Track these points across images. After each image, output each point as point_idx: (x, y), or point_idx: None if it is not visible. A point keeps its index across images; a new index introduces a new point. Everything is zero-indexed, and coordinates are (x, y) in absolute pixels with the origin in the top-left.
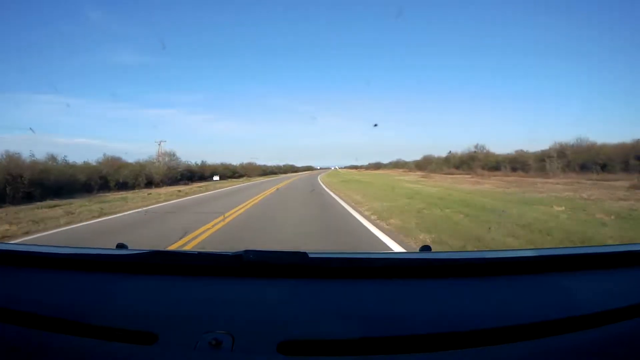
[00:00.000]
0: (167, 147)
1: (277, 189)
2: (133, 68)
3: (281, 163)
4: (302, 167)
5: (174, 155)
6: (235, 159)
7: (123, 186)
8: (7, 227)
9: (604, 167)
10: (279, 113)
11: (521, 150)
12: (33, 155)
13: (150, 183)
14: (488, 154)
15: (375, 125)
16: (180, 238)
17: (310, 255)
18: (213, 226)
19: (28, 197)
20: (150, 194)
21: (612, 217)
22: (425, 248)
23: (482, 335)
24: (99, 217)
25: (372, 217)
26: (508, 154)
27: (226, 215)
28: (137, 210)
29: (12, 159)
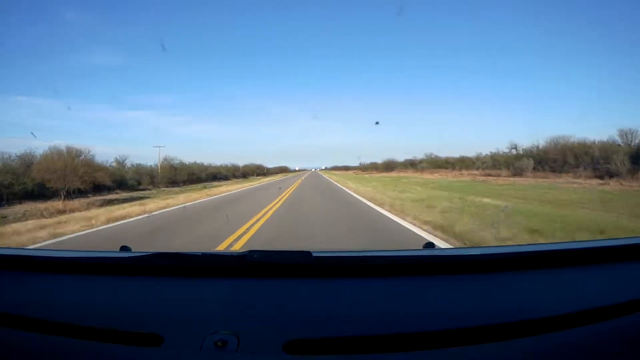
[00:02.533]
0: None
1: None
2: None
3: (240, 162)
4: (275, 167)
5: None
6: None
7: None
8: None
9: None
10: (253, 114)
11: None
12: None
13: None
14: None
15: (377, 123)
16: None
17: (314, 255)
18: None
19: None
20: None
21: None
22: (429, 245)
23: (487, 332)
24: None
25: None
26: None
27: None
28: None
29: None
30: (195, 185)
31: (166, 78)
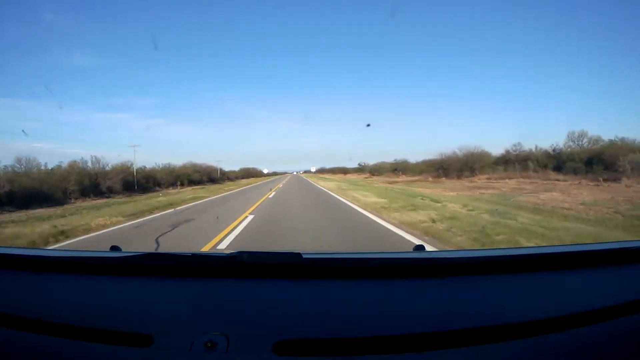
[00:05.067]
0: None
1: None
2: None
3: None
4: (240, 170)
5: None
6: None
7: None
8: None
9: None
10: (228, 115)
11: None
12: None
13: None
14: None
15: (368, 125)
16: None
17: (305, 256)
18: None
19: None
20: None
21: None
22: (419, 247)
23: (477, 334)
24: None
25: None
26: None
27: None
28: None
29: None
30: None
31: (133, 77)
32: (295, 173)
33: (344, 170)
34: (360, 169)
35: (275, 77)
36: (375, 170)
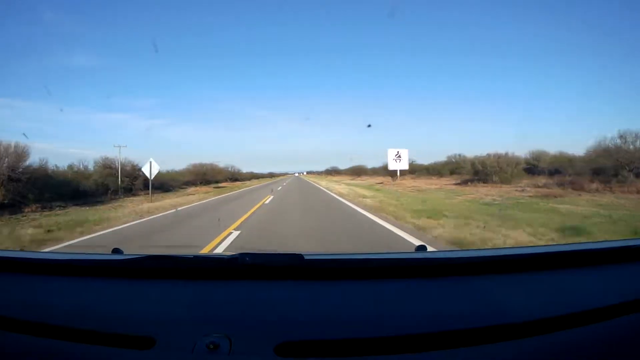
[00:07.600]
0: None
1: None
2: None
3: None
4: (187, 169)
5: None
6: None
7: None
8: None
9: None
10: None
11: None
12: None
13: None
14: None
15: (369, 125)
16: None
17: (306, 257)
18: None
19: None
20: None
21: None
22: (421, 248)
23: (479, 334)
24: None
25: None
26: None
27: None
28: None
29: None
30: None
31: (131, 77)
32: (297, 174)
33: (389, 172)
34: (408, 170)
35: (275, 77)
36: (495, 171)
